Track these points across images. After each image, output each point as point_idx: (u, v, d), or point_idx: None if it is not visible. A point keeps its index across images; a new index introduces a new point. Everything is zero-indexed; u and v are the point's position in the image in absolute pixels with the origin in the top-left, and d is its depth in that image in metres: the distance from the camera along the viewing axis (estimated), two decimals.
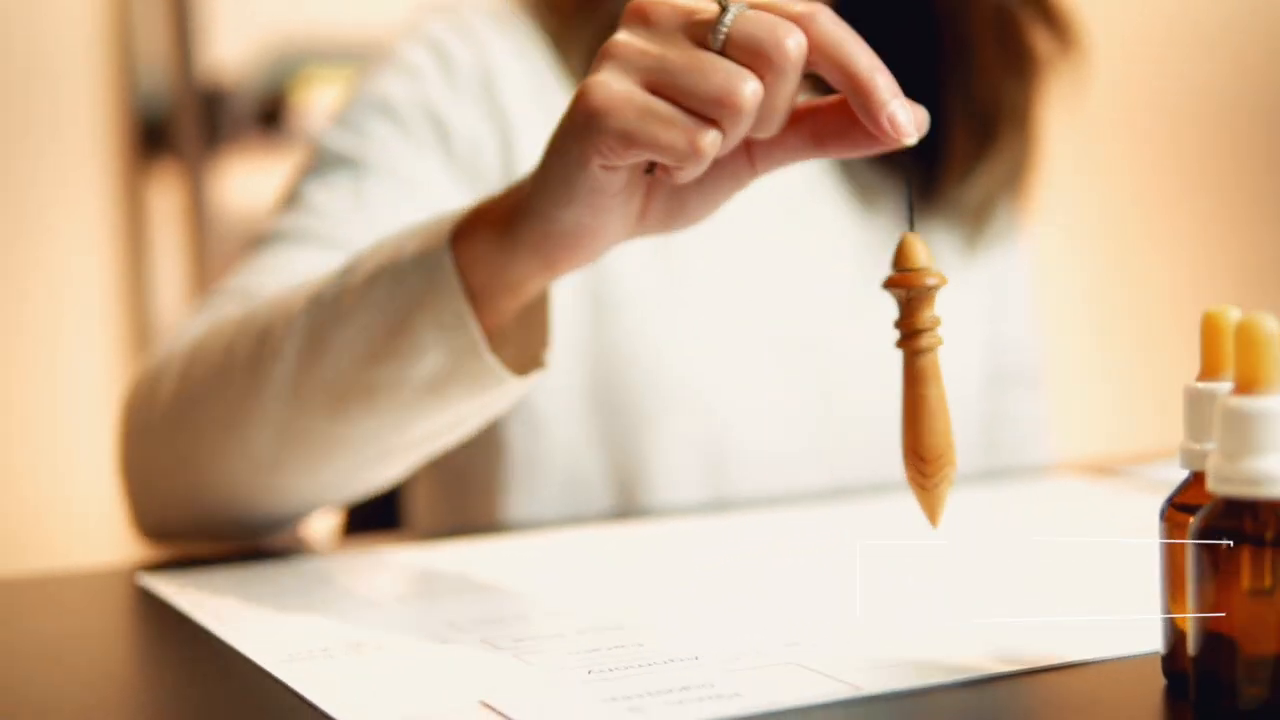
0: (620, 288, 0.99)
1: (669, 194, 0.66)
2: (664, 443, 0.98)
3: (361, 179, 0.94)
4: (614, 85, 0.60)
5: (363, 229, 0.91)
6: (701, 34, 0.60)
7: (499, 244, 0.67)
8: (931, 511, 0.62)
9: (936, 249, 1.05)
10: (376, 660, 0.61)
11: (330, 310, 0.72)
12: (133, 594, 0.74)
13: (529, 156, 0.98)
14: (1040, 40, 1.03)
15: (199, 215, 2.23)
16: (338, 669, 0.60)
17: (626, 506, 0.99)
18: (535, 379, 0.72)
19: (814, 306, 1.03)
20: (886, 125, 0.59)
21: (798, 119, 0.63)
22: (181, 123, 2.23)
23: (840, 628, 0.63)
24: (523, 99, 0.99)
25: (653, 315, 0.99)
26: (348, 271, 0.73)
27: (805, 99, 0.63)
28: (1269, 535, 0.50)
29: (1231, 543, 0.50)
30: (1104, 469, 0.99)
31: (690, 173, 0.60)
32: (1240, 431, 0.50)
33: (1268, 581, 0.50)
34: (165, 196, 2.28)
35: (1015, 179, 1.06)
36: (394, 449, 0.75)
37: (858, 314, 1.04)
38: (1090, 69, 1.03)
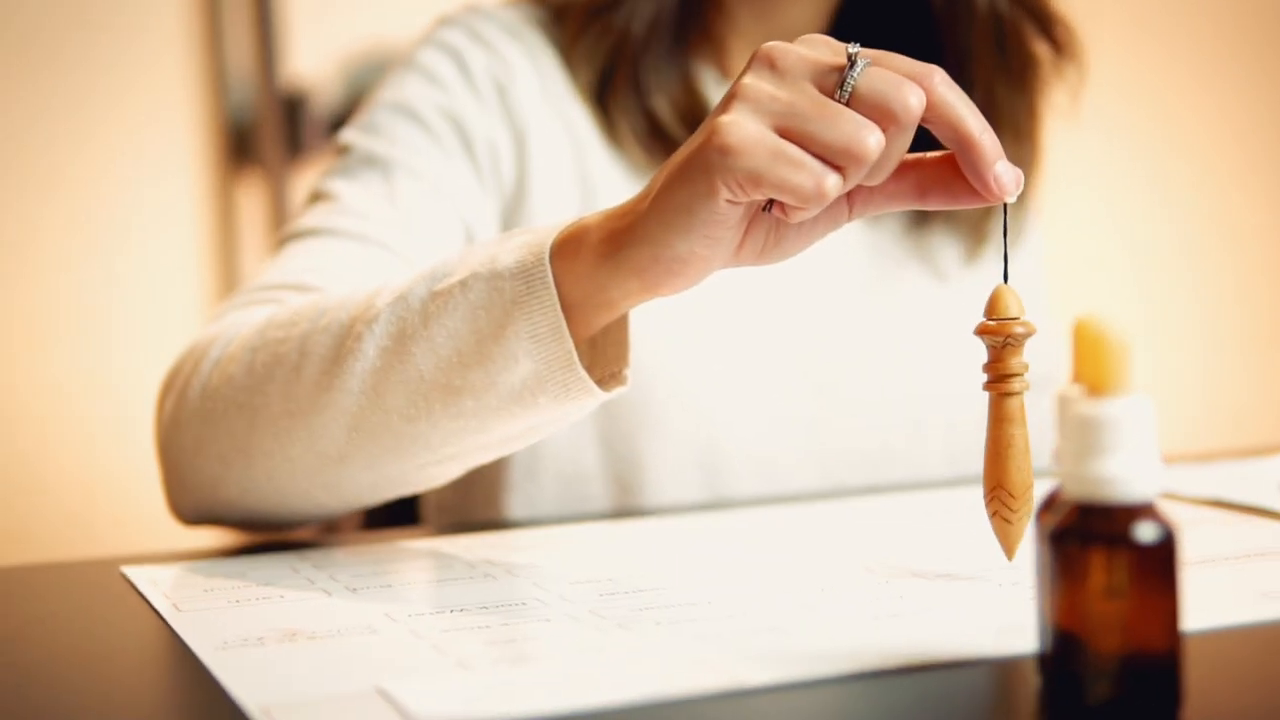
0: None
1: (770, 229, 0.70)
2: (661, 444, 1.01)
3: (391, 179, 0.97)
4: (747, 126, 0.64)
5: (397, 226, 0.95)
6: (829, 84, 0.64)
7: (602, 263, 0.70)
8: (1010, 545, 0.70)
9: (939, 256, 1.07)
10: (301, 649, 0.63)
11: (417, 312, 0.74)
12: (110, 584, 0.78)
13: (540, 164, 1.01)
14: (1039, 49, 1.04)
15: (282, 220, 2.29)
16: (261, 656, 0.62)
17: (624, 507, 1.01)
18: (616, 394, 0.75)
19: (816, 311, 1.05)
20: (992, 184, 0.65)
21: (904, 169, 0.68)
22: (265, 131, 2.29)
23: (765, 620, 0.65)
24: (535, 107, 1.02)
25: (653, 318, 1.01)
26: (435, 275, 0.75)
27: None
28: (1114, 537, 0.51)
29: (1078, 545, 0.51)
30: None
31: (808, 214, 0.65)
32: (1084, 434, 0.51)
33: (1114, 582, 0.51)
34: (252, 202, 2.34)
35: None
36: (467, 451, 0.77)
37: (860, 318, 1.06)
38: (1087, 76, 1.04)
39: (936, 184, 0.69)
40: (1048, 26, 1.03)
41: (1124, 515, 0.51)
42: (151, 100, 1.95)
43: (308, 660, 0.62)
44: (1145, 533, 0.51)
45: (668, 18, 1.01)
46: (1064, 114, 1.06)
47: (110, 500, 1.97)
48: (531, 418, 0.75)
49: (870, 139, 0.63)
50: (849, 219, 0.71)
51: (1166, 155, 2.27)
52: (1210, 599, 0.67)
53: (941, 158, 0.68)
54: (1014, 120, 1.03)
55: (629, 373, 0.76)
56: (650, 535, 0.88)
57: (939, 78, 0.65)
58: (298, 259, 0.93)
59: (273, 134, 2.30)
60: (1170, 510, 0.52)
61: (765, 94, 0.65)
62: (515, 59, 1.03)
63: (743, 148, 0.64)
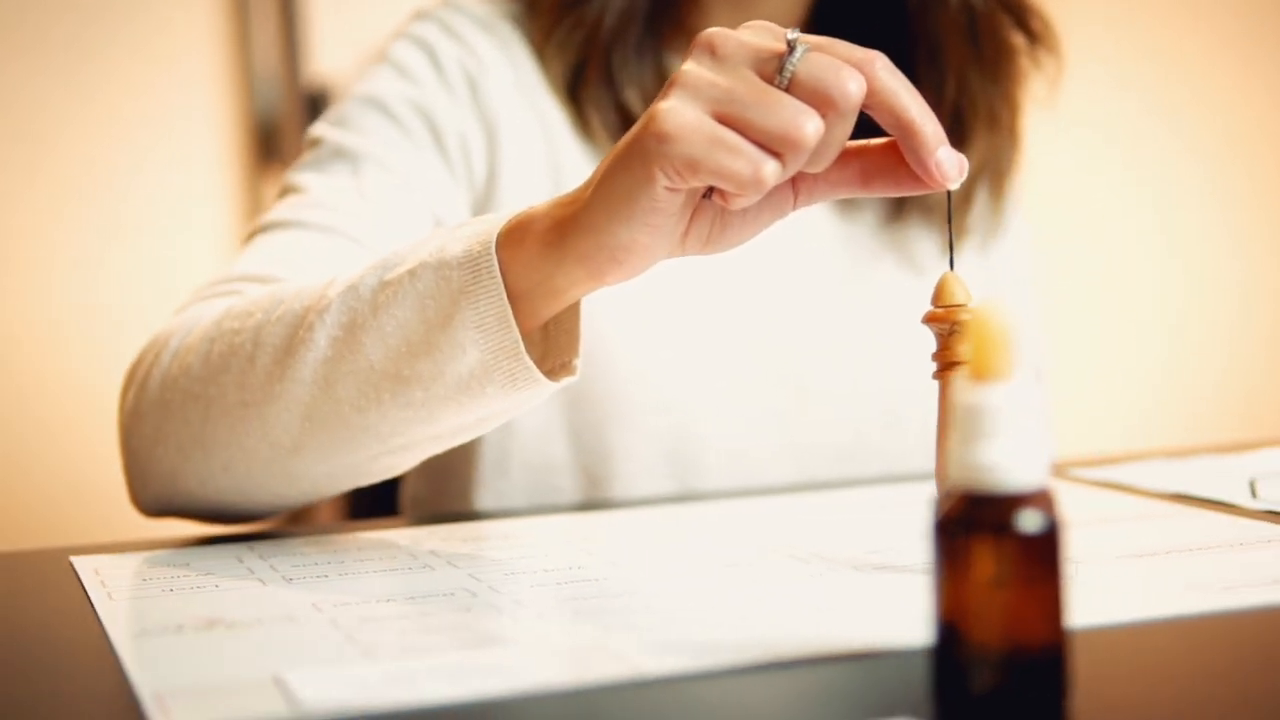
0: None
1: (714, 217, 0.70)
2: (629, 438, 1.00)
3: (360, 171, 0.97)
4: (685, 112, 0.64)
5: (365, 218, 0.95)
6: (768, 70, 0.64)
7: (547, 253, 0.70)
8: None
9: (915, 249, 1.06)
10: (217, 637, 0.63)
11: (367, 302, 0.74)
12: (54, 573, 0.78)
13: (512, 158, 1.01)
14: (1015, 40, 1.03)
15: None
16: (173, 644, 0.63)
17: (593, 499, 1.01)
18: (565, 384, 0.75)
19: (789, 303, 1.04)
20: (934, 169, 0.65)
21: (847, 157, 0.68)
22: (289, 129, 2.31)
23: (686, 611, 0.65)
24: (507, 100, 1.02)
25: (624, 312, 1.01)
26: (386, 266, 0.75)
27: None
28: (996, 526, 0.50)
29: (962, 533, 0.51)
30: (1053, 471, 0.99)
31: (747, 200, 0.65)
32: (969, 421, 0.51)
33: (996, 572, 0.50)
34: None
35: (991, 177, 1.05)
36: (418, 440, 0.77)
37: (833, 311, 1.05)
38: (1064, 66, 1.03)
39: (880, 171, 0.68)
40: (1023, 17, 1.02)
41: (1007, 504, 0.50)
42: (181, 100, 1.97)
43: (218, 648, 0.62)
44: (1028, 522, 0.50)
45: (640, 10, 1.01)
46: (1042, 104, 1.05)
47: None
48: (480, 408, 0.74)
49: (808, 125, 0.62)
50: (794, 207, 0.70)
51: (1152, 150, 2.25)
52: (1134, 591, 0.66)
53: (885, 144, 0.68)
54: (989, 110, 1.02)
55: (579, 363, 0.75)
56: (605, 527, 0.88)
57: (881, 64, 0.64)
58: (264, 251, 0.93)
59: (297, 132, 2.32)
60: (1060, 499, 0.51)
61: (704, 80, 0.64)
62: (488, 52, 1.03)
63: (680, 134, 0.63)
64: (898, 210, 1.06)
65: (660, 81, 1.01)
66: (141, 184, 1.92)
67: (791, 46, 0.64)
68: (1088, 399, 2.23)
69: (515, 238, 0.71)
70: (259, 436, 0.78)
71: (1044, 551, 0.50)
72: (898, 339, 1.06)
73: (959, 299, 0.70)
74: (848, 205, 1.06)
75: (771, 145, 0.63)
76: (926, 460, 1.07)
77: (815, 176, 0.69)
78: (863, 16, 1.04)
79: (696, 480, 1.01)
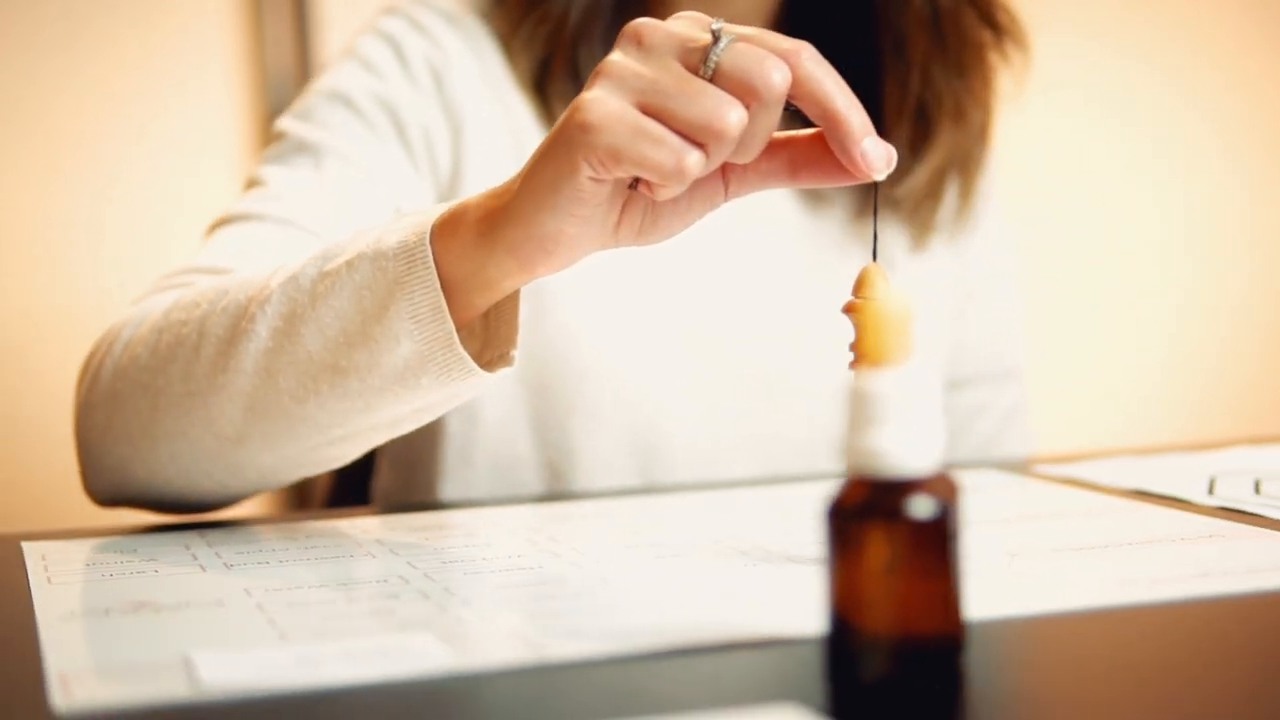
0: (558, 280, 1.01)
1: (645, 209, 0.70)
2: (592, 431, 1.01)
3: (321, 164, 0.97)
4: (608, 103, 0.64)
5: (322, 211, 0.95)
6: (693, 61, 0.64)
7: (479, 243, 0.70)
8: None
9: (886, 244, 1.06)
10: (141, 620, 0.64)
11: (307, 293, 0.74)
12: (2, 558, 0.79)
13: (477, 151, 1.02)
14: (980, 34, 1.02)
15: None
16: (96, 627, 0.63)
17: (556, 492, 1.01)
18: (500, 375, 0.75)
19: (753, 298, 1.04)
20: (859, 159, 0.65)
21: (775, 148, 0.68)
22: None
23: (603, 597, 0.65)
24: (473, 95, 1.03)
25: (589, 308, 1.01)
26: (326, 256, 0.75)
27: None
28: (884, 511, 0.50)
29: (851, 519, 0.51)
30: (1017, 467, 0.98)
31: (671, 191, 0.64)
32: (860, 407, 0.51)
33: (885, 558, 0.50)
34: None
35: (958, 173, 1.05)
36: (357, 431, 0.78)
37: (799, 306, 1.05)
38: (1031, 60, 1.02)
39: (808, 162, 0.68)
40: (988, 11, 1.02)
41: (897, 490, 0.50)
42: (196, 99, 1.98)
43: (139, 631, 0.62)
44: (918, 508, 0.50)
45: (606, 5, 1.01)
46: (1010, 98, 1.04)
47: None
48: (417, 398, 0.75)
49: (730, 115, 0.62)
50: (725, 199, 0.70)
51: (1131, 147, 2.23)
52: (1063, 583, 0.66)
53: (813, 135, 0.68)
54: (955, 105, 1.02)
55: (515, 353, 0.75)
56: (555, 518, 0.88)
57: (807, 54, 0.64)
58: (223, 244, 0.93)
59: None
60: (958, 486, 0.51)
61: (629, 70, 0.64)
62: (454, 47, 1.03)
63: (603, 124, 0.63)
64: (866, 204, 1.06)
65: None
66: (157, 182, 1.93)
67: (716, 37, 0.64)
68: (1087, 393, 2.22)
69: (449, 229, 0.71)
70: (203, 427, 0.79)
71: (935, 538, 0.50)
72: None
73: (880, 291, 0.69)
74: (815, 199, 1.06)
75: (694, 135, 0.63)
76: None
77: (744, 167, 0.68)
78: (830, 11, 1.04)
79: (660, 474, 1.01)
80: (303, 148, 0.98)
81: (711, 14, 1.01)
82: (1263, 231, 2.30)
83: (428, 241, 0.71)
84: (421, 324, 0.71)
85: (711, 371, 1.03)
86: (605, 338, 1.01)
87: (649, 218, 0.70)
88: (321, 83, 1.02)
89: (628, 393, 1.01)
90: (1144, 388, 2.26)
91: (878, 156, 0.65)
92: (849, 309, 0.70)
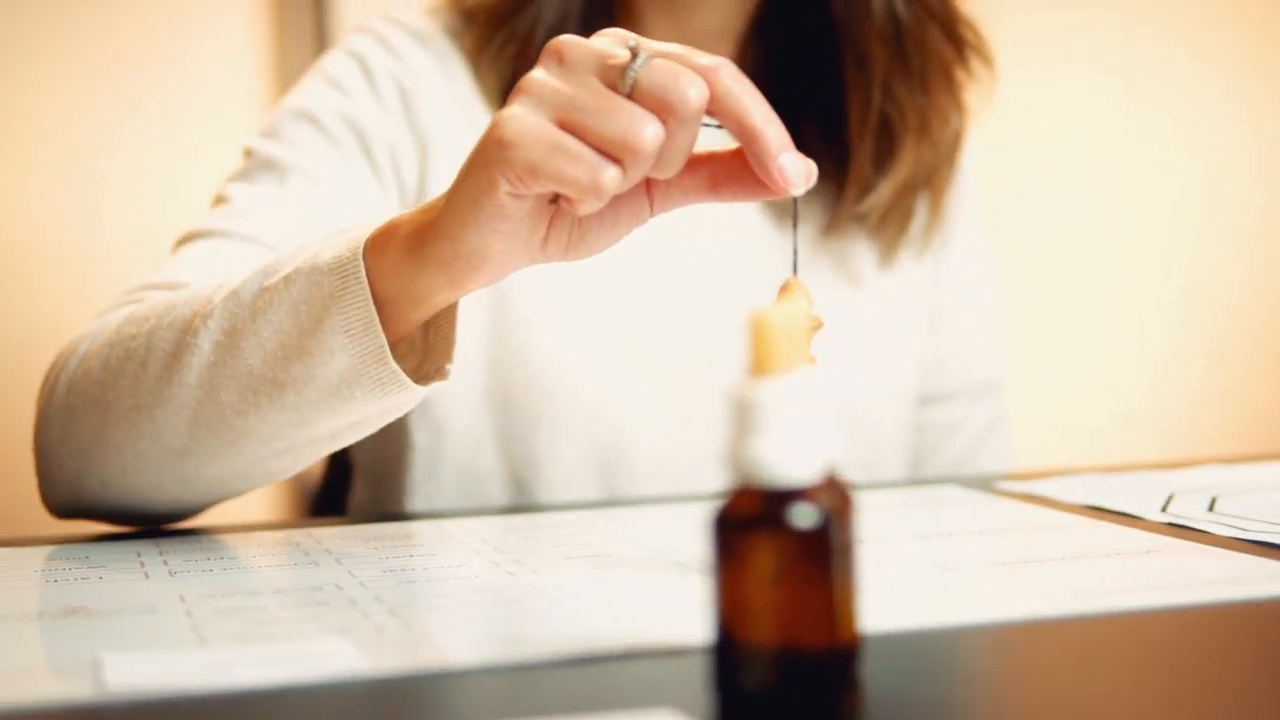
0: (523, 293, 1.02)
1: (571, 225, 0.71)
2: (557, 445, 1.01)
3: (285, 182, 0.99)
4: (526, 119, 0.64)
5: (285, 228, 0.96)
6: (612, 77, 0.64)
7: (408, 259, 0.71)
8: None
9: (853, 260, 1.06)
10: (69, 625, 0.65)
11: (247, 307, 0.76)
12: None
13: (444, 169, 1.03)
14: (945, 50, 1.03)
15: None
16: (21, 631, 0.64)
17: (517, 504, 1.02)
18: (434, 388, 0.76)
19: (718, 312, 1.05)
20: (777, 175, 0.65)
21: (697, 164, 0.69)
22: None
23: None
24: (440, 113, 1.04)
25: (553, 321, 1.02)
26: (267, 272, 0.76)
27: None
28: (763, 521, 0.50)
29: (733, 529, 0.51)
30: (980, 483, 0.98)
31: (590, 206, 0.65)
32: (743, 416, 0.51)
33: (766, 567, 0.50)
34: None
35: (925, 188, 1.05)
36: (297, 444, 0.79)
37: None
38: (997, 75, 1.03)
39: (728, 178, 0.69)
40: (951, 27, 1.02)
41: (778, 499, 0.50)
42: (217, 103, 1.99)
43: (63, 635, 0.63)
44: (799, 517, 0.50)
45: (573, 23, 1.02)
46: (977, 113, 1.05)
47: None
48: (352, 411, 0.76)
49: (646, 131, 0.63)
50: (651, 214, 0.71)
51: (1107, 150, 2.22)
52: (984, 597, 0.66)
53: (734, 151, 0.68)
54: (919, 120, 1.02)
55: (451, 367, 0.76)
56: (508, 530, 0.88)
57: (726, 71, 0.65)
58: (185, 260, 0.95)
59: None
60: (842, 495, 0.52)
61: (548, 87, 0.65)
62: (422, 65, 1.04)
63: (520, 140, 0.64)
64: (835, 221, 1.06)
65: None
66: (176, 188, 1.95)
67: (634, 53, 0.64)
68: (1075, 407, 2.21)
69: (381, 245, 0.72)
70: (151, 440, 0.80)
71: (818, 548, 0.51)
72: (832, 350, 1.06)
73: (791, 303, 0.70)
74: (784, 213, 1.07)
75: (611, 151, 0.63)
76: (862, 472, 1.07)
77: (668, 183, 0.69)
78: (798, 28, 1.04)
79: (626, 487, 1.02)
80: (268, 165, 0.99)
81: (682, 30, 1.03)
82: (1257, 239, 2.28)
83: (360, 257, 0.72)
84: (355, 338, 0.72)
85: (677, 385, 1.03)
86: (570, 352, 1.01)
87: (576, 233, 0.71)
88: (289, 101, 1.04)
89: (592, 407, 1.01)
90: (1132, 400, 2.25)
91: (796, 172, 0.65)
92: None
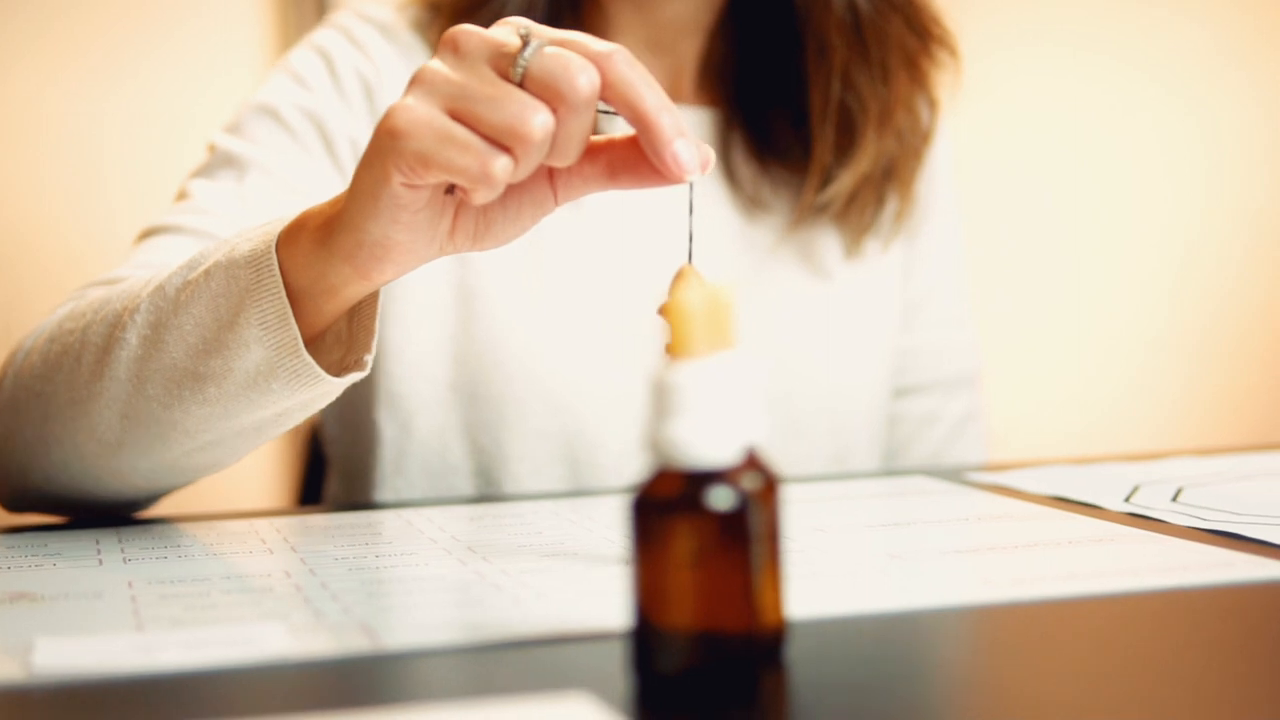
0: (489, 285, 1.02)
1: (477, 214, 0.70)
2: (523, 435, 1.01)
3: (244, 178, 0.99)
4: (417, 109, 0.64)
5: (242, 224, 0.96)
6: (504, 66, 0.64)
7: (318, 251, 0.71)
8: None
9: (820, 251, 1.06)
10: (13, 611, 0.65)
11: (171, 301, 0.76)
12: None
13: None
14: (908, 42, 1.02)
15: None
16: None
17: (482, 494, 1.02)
18: (351, 380, 0.76)
19: None
20: (670, 162, 0.64)
21: (595, 152, 0.68)
22: None
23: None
24: None
25: (519, 315, 1.02)
26: (191, 265, 0.77)
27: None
28: (679, 503, 0.50)
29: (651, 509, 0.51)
30: (949, 474, 0.98)
31: (484, 196, 0.64)
32: (660, 398, 0.51)
33: (682, 549, 0.50)
34: None
35: (889, 179, 1.05)
36: (224, 437, 0.79)
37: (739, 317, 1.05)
38: (962, 65, 1.02)
39: (625, 165, 0.68)
40: (912, 17, 1.02)
41: (694, 482, 0.50)
42: (224, 100, 1.99)
43: (4, 621, 0.64)
44: (716, 499, 0.50)
45: (538, 17, 1.01)
46: (946, 103, 1.04)
47: None
48: (271, 404, 0.76)
49: (534, 120, 0.62)
50: (556, 203, 0.70)
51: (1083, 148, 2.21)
52: (926, 583, 0.66)
53: (630, 138, 0.68)
54: (880, 111, 1.02)
55: (370, 358, 0.76)
56: (464, 519, 0.88)
57: (619, 58, 0.64)
58: (142, 255, 0.95)
59: None
60: (766, 478, 0.52)
61: (440, 77, 0.64)
62: (388, 59, 1.04)
63: (410, 130, 0.64)
64: (803, 213, 1.06)
65: None
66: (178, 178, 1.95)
67: (525, 41, 0.64)
68: (1063, 397, 2.20)
69: (292, 237, 0.72)
70: (87, 434, 0.81)
71: (735, 530, 0.50)
72: (798, 342, 1.06)
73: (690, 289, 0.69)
74: (753, 206, 1.06)
75: (501, 139, 0.63)
76: (833, 464, 1.07)
77: (568, 172, 0.68)
78: (759, 17, 1.04)
79: (591, 481, 1.02)
80: (228, 161, 0.99)
81: (650, 22, 1.03)
82: (1253, 224, 2.26)
83: (273, 250, 0.72)
84: (270, 330, 0.72)
85: (641, 378, 1.03)
86: (536, 345, 1.01)
87: (482, 223, 0.70)
88: (254, 97, 1.04)
89: (558, 399, 1.01)
90: (1119, 391, 2.23)
91: (689, 158, 0.64)
92: (661, 312, 0.69)
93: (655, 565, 0.51)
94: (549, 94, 0.62)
